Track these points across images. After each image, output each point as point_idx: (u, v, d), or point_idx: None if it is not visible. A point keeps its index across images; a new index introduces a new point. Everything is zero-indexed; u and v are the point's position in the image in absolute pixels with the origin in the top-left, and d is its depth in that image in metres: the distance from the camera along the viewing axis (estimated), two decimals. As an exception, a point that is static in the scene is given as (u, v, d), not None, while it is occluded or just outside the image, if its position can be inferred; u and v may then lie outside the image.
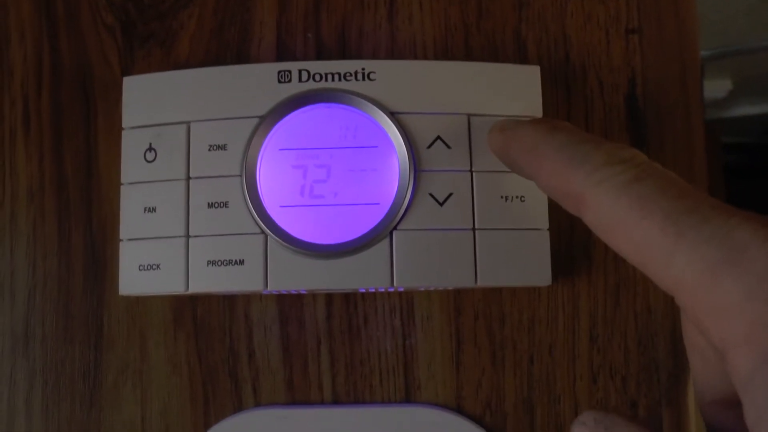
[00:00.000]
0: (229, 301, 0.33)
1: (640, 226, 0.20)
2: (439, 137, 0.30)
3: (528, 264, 0.30)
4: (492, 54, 0.34)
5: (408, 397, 0.33)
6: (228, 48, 0.34)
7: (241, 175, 0.30)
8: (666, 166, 0.33)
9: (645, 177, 0.21)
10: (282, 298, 0.33)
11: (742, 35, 1.21)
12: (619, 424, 0.20)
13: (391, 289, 0.31)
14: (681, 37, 0.35)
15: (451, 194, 0.30)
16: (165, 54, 0.35)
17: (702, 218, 0.19)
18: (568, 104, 0.34)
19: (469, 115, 0.31)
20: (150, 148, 0.31)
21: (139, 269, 0.31)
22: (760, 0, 1.07)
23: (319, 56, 0.34)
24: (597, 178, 0.22)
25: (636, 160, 0.22)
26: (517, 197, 0.30)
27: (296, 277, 0.30)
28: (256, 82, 0.31)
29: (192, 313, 0.33)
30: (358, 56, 0.34)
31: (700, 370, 0.23)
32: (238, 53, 0.34)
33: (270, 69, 0.31)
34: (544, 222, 0.31)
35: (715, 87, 1.32)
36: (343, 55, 0.34)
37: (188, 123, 0.31)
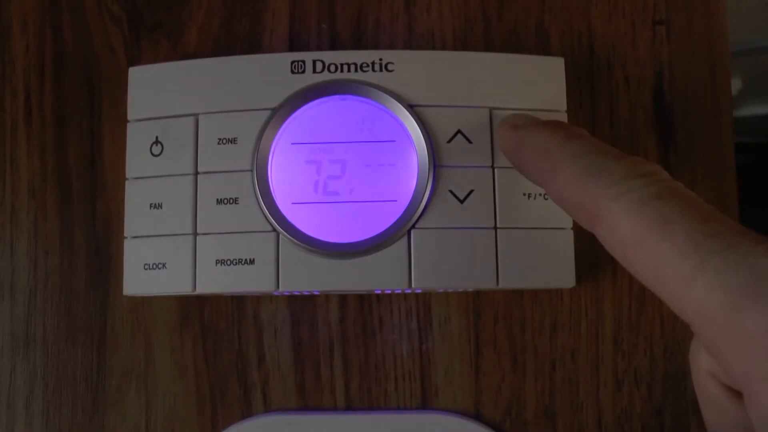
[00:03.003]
0: (238, 302, 0.32)
1: (659, 248, 0.19)
2: (459, 131, 0.29)
3: (551, 265, 0.29)
4: (513, 46, 0.33)
5: (425, 403, 0.31)
6: (238, 39, 0.33)
7: (251, 170, 0.29)
8: (693, 164, 0.32)
9: (667, 195, 0.20)
10: (293, 299, 0.32)
11: (753, 34, 1.19)
12: None
13: (408, 291, 0.30)
14: (710, 28, 0.33)
15: (472, 191, 0.29)
16: (172, 45, 0.33)
17: (727, 243, 0.18)
18: (592, 99, 0.33)
19: (491, 109, 0.29)
20: (156, 142, 0.30)
21: (145, 268, 0.29)
22: (772, -2, 1.06)
23: (334, 48, 0.33)
24: (615, 192, 0.21)
25: (658, 176, 0.21)
26: (540, 195, 0.29)
27: (309, 277, 0.28)
28: (268, 72, 0.29)
29: (199, 314, 0.32)
30: (374, 48, 0.33)
31: (715, 420, 0.22)
32: (249, 45, 0.33)
33: (283, 59, 0.30)
34: (567, 221, 0.29)
35: (725, 87, 1.30)
36: (359, 46, 0.33)
37: (196, 115, 0.30)
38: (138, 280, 0.29)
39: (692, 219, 0.19)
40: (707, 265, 0.18)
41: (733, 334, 0.17)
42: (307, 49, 0.33)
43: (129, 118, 0.30)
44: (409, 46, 0.33)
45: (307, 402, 0.32)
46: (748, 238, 0.18)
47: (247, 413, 0.32)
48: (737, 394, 0.21)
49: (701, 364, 0.22)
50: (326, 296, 0.32)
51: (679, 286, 0.18)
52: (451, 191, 0.29)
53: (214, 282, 0.29)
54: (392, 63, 0.29)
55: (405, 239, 0.28)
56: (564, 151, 0.23)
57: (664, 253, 0.19)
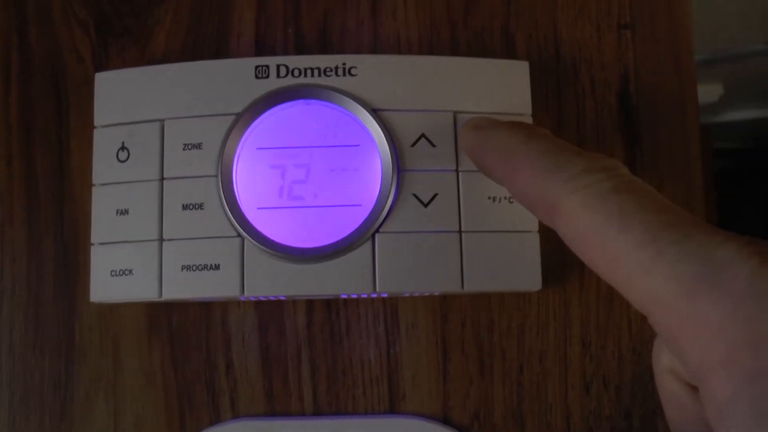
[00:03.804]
0: (205, 308, 0.32)
1: (617, 239, 0.19)
2: (423, 135, 0.29)
3: (517, 268, 0.29)
4: (479, 51, 0.33)
5: (392, 408, 0.31)
6: (205, 44, 0.33)
7: (216, 176, 0.29)
8: (661, 166, 0.33)
9: (625, 189, 0.20)
10: (261, 305, 0.32)
11: (733, 40, 1.20)
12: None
13: (374, 295, 0.30)
14: (675, 33, 0.34)
15: (436, 195, 0.29)
16: (140, 50, 0.33)
17: (683, 235, 0.18)
18: (559, 102, 0.33)
19: (455, 112, 0.29)
20: (122, 147, 0.30)
21: (111, 275, 0.29)
22: (750, 3, 1.07)
23: (300, 53, 0.33)
24: (573, 186, 0.21)
25: (616, 170, 0.21)
26: (505, 198, 0.29)
27: (274, 282, 0.28)
28: (232, 77, 0.29)
29: (167, 320, 0.32)
30: (340, 52, 0.33)
31: (677, 418, 0.22)
32: (216, 50, 0.33)
33: (247, 64, 0.30)
34: (533, 224, 0.29)
35: (707, 92, 1.32)
36: (325, 51, 0.33)
37: (162, 121, 0.30)
38: (104, 286, 0.29)
39: (649, 211, 0.19)
40: (663, 255, 0.18)
41: (688, 324, 0.17)
42: (274, 53, 0.33)
43: (96, 123, 0.30)
44: (375, 50, 0.33)
45: (275, 408, 0.31)
46: (704, 229, 0.18)
47: (215, 419, 0.31)
48: (696, 391, 0.21)
49: (663, 362, 0.22)
50: (293, 302, 0.32)
51: (637, 277, 0.19)
52: (415, 195, 0.29)
53: (180, 288, 0.29)
54: (356, 68, 0.29)
55: (369, 243, 0.28)
56: (525, 149, 0.23)
57: (621, 245, 0.19)
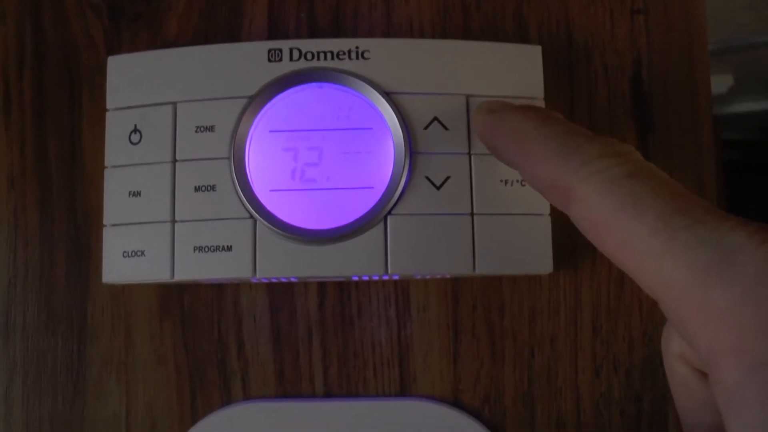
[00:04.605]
0: (217, 289, 0.32)
1: (629, 225, 0.19)
2: (436, 118, 0.29)
3: (528, 251, 0.29)
4: (491, 36, 0.33)
5: (403, 390, 0.32)
6: (217, 28, 0.33)
7: (229, 158, 0.29)
8: (673, 152, 0.33)
9: (638, 174, 0.20)
10: (272, 287, 0.32)
11: (744, 30, 1.19)
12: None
13: (386, 277, 0.30)
14: (688, 18, 0.33)
15: (448, 178, 0.29)
16: (152, 35, 0.33)
17: (695, 221, 0.18)
18: (571, 87, 0.33)
19: (467, 96, 0.29)
20: (135, 130, 0.30)
21: (123, 256, 0.29)
22: (762, -6, 1.06)
23: (313, 36, 0.33)
24: (587, 171, 0.21)
25: (630, 155, 0.21)
26: (517, 181, 0.29)
27: (286, 264, 0.28)
28: (245, 61, 0.30)
29: (179, 302, 0.32)
30: (353, 36, 0.33)
31: (686, 403, 0.22)
32: (229, 34, 0.33)
33: (260, 47, 0.30)
34: (545, 207, 0.29)
35: (716, 82, 1.31)
36: (338, 35, 0.33)
37: (174, 103, 0.30)
38: (117, 268, 0.29)
39: (662, 197, 0.19)
40: (675, 241, 0.18)
41: (698, 311, 0.18)
42: (287, 37, 0.33)
43: (108, 106, 0.30)
44: (387, 34, 0.33)
45: (286, 389, 0.32)
46: (716, 215, 0.18)
47: (226, 401, 0.32)
48: (705, 376, 0.21)
49: (672, 347, 0.22)
50: (305, 284, 0.32)
51: (649, 263, 0.19)
52: (427, 178, 0.29)
53: (192, 269, 0.29)
54: (368, 51, 0.29)
55: (381, 225, 0.28)
56: (538, 133, 0.24)
57: (634, 231, 0.19)
